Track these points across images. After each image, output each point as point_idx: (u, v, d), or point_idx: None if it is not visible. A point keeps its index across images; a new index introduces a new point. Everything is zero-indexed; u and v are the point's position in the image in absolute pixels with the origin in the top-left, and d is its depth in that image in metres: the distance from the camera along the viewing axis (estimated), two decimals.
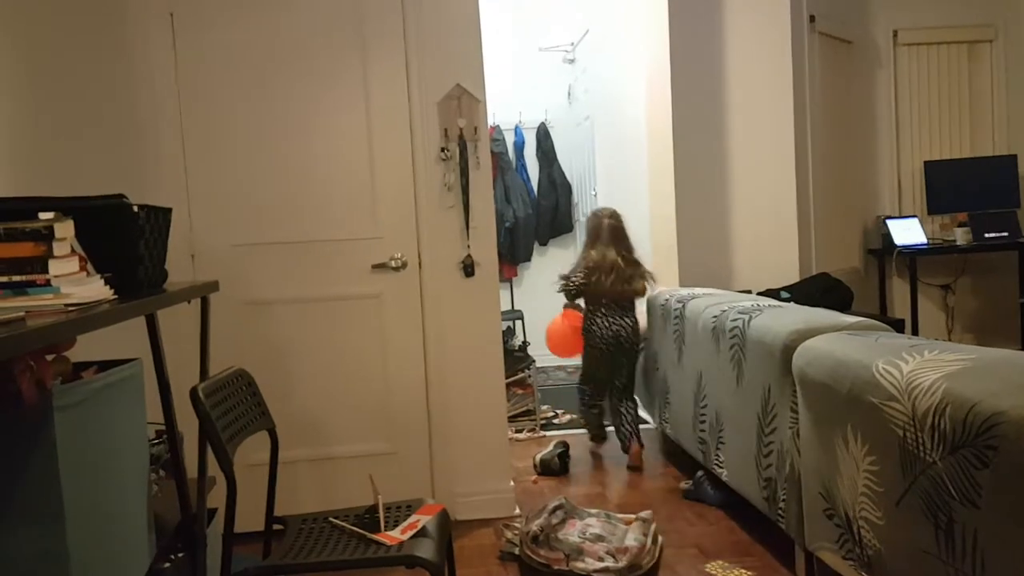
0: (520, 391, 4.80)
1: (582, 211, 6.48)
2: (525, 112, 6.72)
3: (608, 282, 4.11)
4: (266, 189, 3.33)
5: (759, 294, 5.14)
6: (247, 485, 3.11)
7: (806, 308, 3.10)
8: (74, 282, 1.55)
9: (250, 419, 2.10)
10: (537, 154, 6.73)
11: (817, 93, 5.29)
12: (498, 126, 6.62)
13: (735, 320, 3.10)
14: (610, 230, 4.24)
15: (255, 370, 3.34)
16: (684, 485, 3.63)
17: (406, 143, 3.38)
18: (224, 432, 1.88)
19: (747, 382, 2.99)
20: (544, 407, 5.04)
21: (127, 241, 1.72)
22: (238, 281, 3.34)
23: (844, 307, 5.04)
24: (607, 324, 4.12)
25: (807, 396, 2.55)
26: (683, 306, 3.68)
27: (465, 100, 3.39)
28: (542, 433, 4.69)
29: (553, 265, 6.79)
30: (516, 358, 4.83)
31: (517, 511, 3.51)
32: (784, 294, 5.05)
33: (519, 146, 6.70)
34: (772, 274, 5.24)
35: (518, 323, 6.48)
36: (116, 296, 1.63)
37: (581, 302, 4.30)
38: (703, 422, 3.48)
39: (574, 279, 4.20)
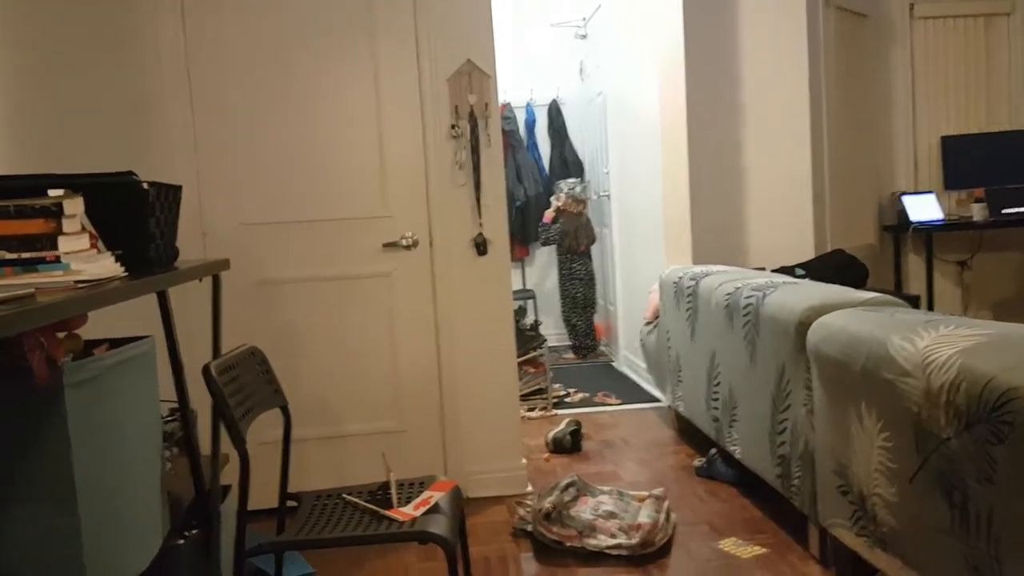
0: (532, 370, 4.80)
1: (594, 189, 6.45)
2: (536, 89, 6.68)
3: None
4: (275, 168, 3.32)
5: (773, 271, 5.11)
6: (259, 463, 3.13)
7: (821, 285, 3.07)
8: (84, 259, 1.54)
9: (263, 396, 2.11)
10: (549, 132, 6.69)
11: (832, 67, 5.23)
12: (509, 104, 6.58)
13: (749, 297, 3.07)
14: None
15: (265, 350, 3.34)
16: (697, 463, 3.63)
17: (416, 120, 3.36)
18: (237, 409, 1.88)
19: (761, 360, 2.98)
20: (556, 386, 5.04)
21: (137, 218, 1.72)
22: (248, 261, 3.34)
23: (859, 284, 5.00)
24: None
25: (821, 373, 2.54)
26: (696, 284, 3.66)
27: (476, 76, 3.36)
28: (554, 412, 4.69)
29: None
30: (528, 337, 4.83)
31: (529, 488, 3.51)
32: (799, 271, 5.02)
33: (530, 124, 6.66)
34: (787, 251, 5.21)
35: (529, 303, 6.48)
36: (127, 273, 1.63)
37: None
38: (716, 400, 3.46)
39: None
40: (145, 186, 1.73)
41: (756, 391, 3.03)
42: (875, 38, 5.65)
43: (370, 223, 3.38)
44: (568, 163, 6.62)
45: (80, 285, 1.45)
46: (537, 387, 4.81)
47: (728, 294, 3.28)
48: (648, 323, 4.51)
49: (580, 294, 6.15)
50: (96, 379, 1.44)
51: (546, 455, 3.96)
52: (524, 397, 4.75)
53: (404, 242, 3.37)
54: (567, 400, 4.93)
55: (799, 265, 5.10)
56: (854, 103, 5.46)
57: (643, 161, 5.04)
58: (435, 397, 3.46)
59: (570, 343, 6.30)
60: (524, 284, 6.72)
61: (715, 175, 5.13)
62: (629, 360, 5.62)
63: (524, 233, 6.55)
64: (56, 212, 1.51)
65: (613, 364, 5.94)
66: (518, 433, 3.54)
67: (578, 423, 4.10)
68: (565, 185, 6.10)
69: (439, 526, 1.91)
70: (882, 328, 2.28)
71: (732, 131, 5.20)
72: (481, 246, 3.41)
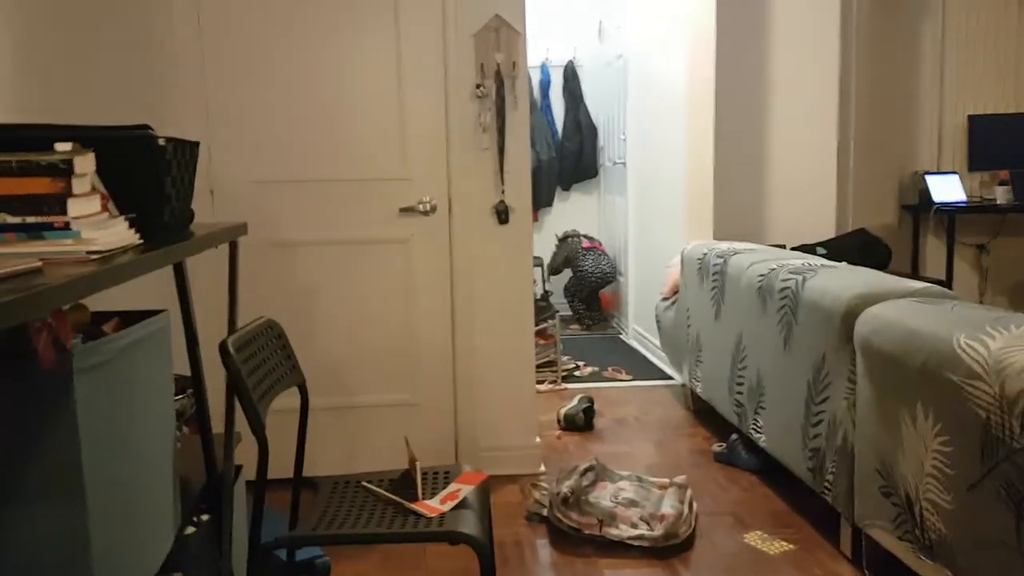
0: (542, 342, 4.64)
1: (608, 156, 6.25)
2: (552, 49, 6.43)
3: None
4: (290, 123, 3.13)
5: (793, 249, 4.97)
6: (270, 431, 2.99)
7: (864, 270, 2.92)
8: (95, 225, 1.37)
9: (281, 374, 1.95)
10: (563, 94, 6.46)
11: (863, 41, 5.03)
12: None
13: (787, 280, 2.92)
14: None
15: (275, 314, 3.16)
16: (716, 448, 3.50)
17: (439, 79, 3.16)
18: (255, 390, 1.72)
19: (797, 347, 2.83)
20: (565, 358, 4.89)
21: (153, 178, 1.53)
22: (259, 220, 3.14)
23: (882, 266, 4.86)
24: None
25: (870, 366, 2.39)
26: (724, 262, 3.50)
27: (504, 32, 3.16)
28: (564, 385, 4.56)
29: (576, 212, 6.59)
30: (538, 307, 4.66)
31: (542, 468, 3.38)
32: (820, 250, 4.87)
33: (545, 85, 6.43)
34: (807, 228, 5.06)
35: (537, 270, 6.30)
36: (142, 241, 1.45)
37: None
38: (741, 384, 3.33)
39: None
40: (162, 142, 1.54)
41: (789, 379, 2.89)
42: (907, 12, 5.43)
43: (387, 185, 3.19)
44: (582, 127, 6.40)
45: (92, 256, 1.28)
46: (547, 359, 4.66)
47: (761, 275, 3.12)
48: (665, 299, 4.36)
49: (594, 276, 5.97)
50: (108, 363, 1.28)
51: (557, 432, 3.82)
52: None
53: (422, 207, 3.19)
54: (577, 374, 4.79)
55: (820, 244, 4.95)
56: (882, 78, 5.26)
57: (665, 130, 4.85)
58: (448, 370, 3.31)
59: (574, 314, 6.13)
60: (533, 251, 6.54)
61: (739, 148, 4.95)
62: (639, 334, 5.48)
63: (534, 198, 6.34)
64: (65, 170, 1.33)
65: (622, 337, 5.80)
66: (533, 410, 3.39)
67: (591, 400, 3.97)
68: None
69: (470, 525, 1.77)
70: (944, 325, 2.13)
71: (759, 103, 5.01)
72: (503, 214, 3.24)
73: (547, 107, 6.44)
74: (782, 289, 2.93)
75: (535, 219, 6.53)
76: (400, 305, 3.25)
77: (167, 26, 3.00)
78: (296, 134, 3.13)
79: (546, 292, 5.35)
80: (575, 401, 3.94)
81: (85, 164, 1.38)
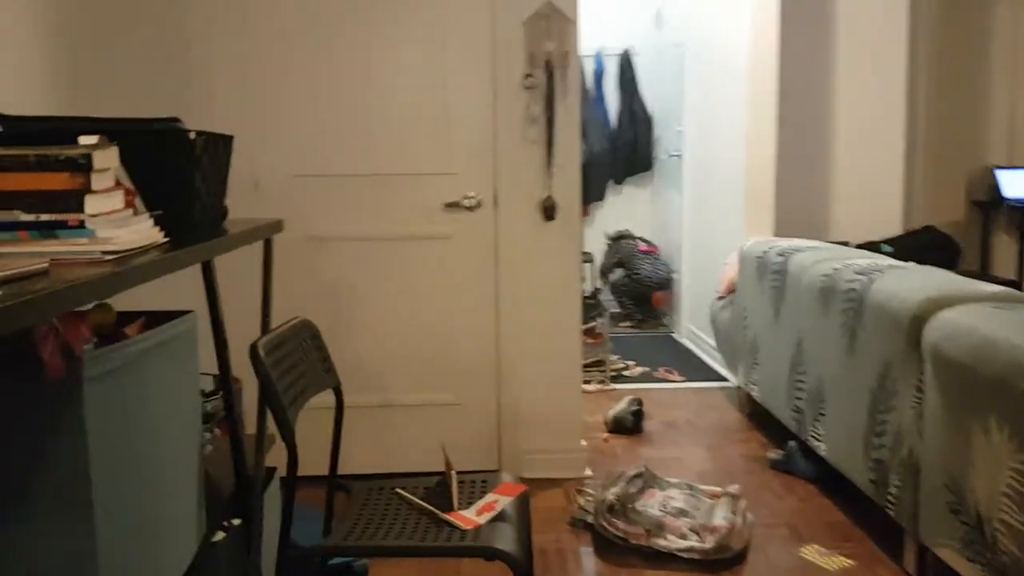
0: (590, 341, 4.53)
1: (664, 148, 6.09)
2: (607, 37, 6.28)
3: None
4: (331, 116, 3.06)
5: (858, 247, 4.76)
6: (304, 427, 2.96)
7: (935, 271, 2.75)
8: (116, 222, 1.30)
9: (314, 377, 1.87)
10: (618, 84, 6.30)
11: (932, 29, 4.79)
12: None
13: (851, 282, 2.76)
14: None
15: (313, 310, 3.14)
16: (772, 455, 3.35)
17: (486, 68, 3.07)
18: (286, 394, 1.65)
19: (862, 352, 2.67)
20: (614, 357, 4.77)
21: (182, 173, 1.47)
22: (300, 215, 3.10)
23: (951, 265, 4.63)
24: None
25: (940, 375, 2.23)
26: (785, 260, 3.34)
27: (555, 20, 3.04)
28: (612, 386, 4.43)
29: (629, 207, 6.44)
30: (587, 305, 4.55)
31: (588, 472, 3.27)
32: (885, 248, 4.66)
33: (599, 75, 6.29)
34: (872, 225, 4.84)
35: (587, 267, 6.17)
36: (168, 240, 1.38)
37: None
38: (800, 390, 3.17)
39: None
40: (192, 136, 1.47)
41: (852, 386, 2.73)
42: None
43: (431, 180, 3.11)
44: (637, 118, 6.24)
45: (108, 256, 1.21)
46: (595, 359, 4.54)
47: (825, 275, 2.96)
48: (721, 297, 4.21)
49: (651, 281, 5.83)
50: (123, 368, 1.21)
51: (605, 435, 3.70)
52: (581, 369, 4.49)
53: (467, 202, 3.10)
54: (626, 374, 4.66)
55: (886, 241, 4.74)
56: (951, 68, 4.99)
57: (724, 123, 4.68)
58: (491, 369, 3.22)
59: (624, 311, 5.97)
60: (583, 247, 6.41)
61: (802, 141, 4.76)
62: (693, 334, 5.32)
63: (586, 191, 6.21)
64: (85, 165, 1.27)
65: (674, 336, 5.65)
66: (579, 412, 3.29)
67: (640, 401, 3.84)
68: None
69: (507, 541, 1.67)
70: (1022, 332, 1.97)
71: (823, 94, 4.81)
72: (550, 210, 3.13)
73: (601, 98, 6.30)
74: (847, 290, 2.78)
75: (586, 214, 6.40)
76: (443, 303, 3.17)
77: (207, 22, 2.96)
78: (338, 127, 3.07)
79: (596, 289, 5.22)
80: (624, 403, 3.82)
81: (107, 159, 1.32)
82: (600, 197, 6.35)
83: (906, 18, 4.76)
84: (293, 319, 1.86)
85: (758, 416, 3.82)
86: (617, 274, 5.94)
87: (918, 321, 2.35)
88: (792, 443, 3.28)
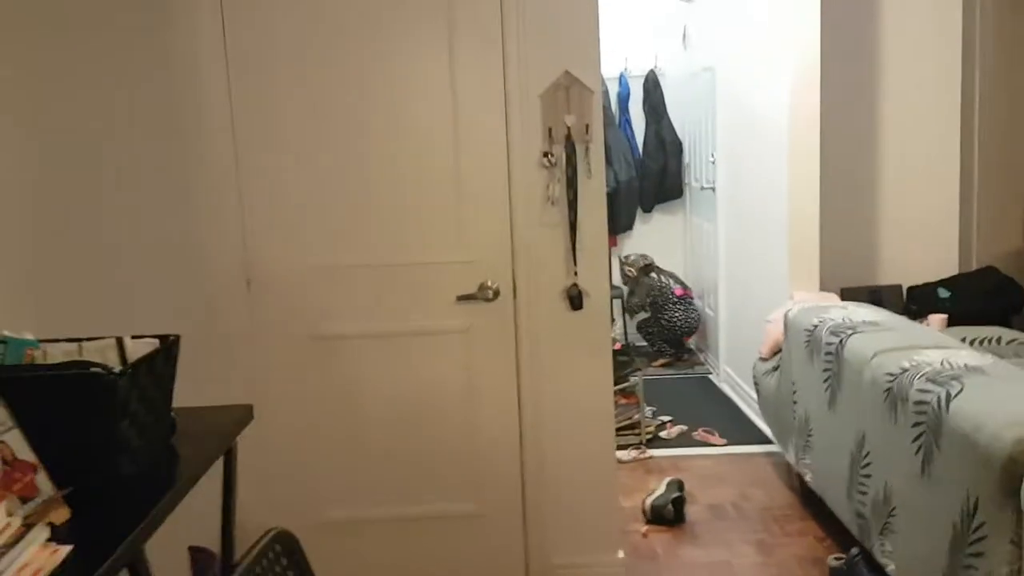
0: (623, 400, 4.19)
1: (694, 175, 5.70)
2: (632, 58, 5.88)
3: None
4: (332, 203, 2.73)
5: (911, 289, 4.37)
6: (320, 544, 2.69)
7: None
8: None
9: None
10: (644, 107, 5.91)
11: (988, 51, 4.36)
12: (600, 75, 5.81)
13: (925, 393, 2.39)
14: None
15: (320, 415, 2.83)
16: (833, 562, 2.99)
17: (500, 146, 2.72)
18: None
19: (939, 477, 2.31)
20: (648, 412, 4.41)
21: (101, 428, 1.15)
22: (300, 312, 2.78)
23: (1014, 311, 4.23)
24: None
25: None
26: (840, 344, 2.97)
27: (576, 91, 2.69)
28: (648, 453, 4.08)
29: (659, 235, 6.06)
30: (618, 363, 4.19)
31: None
32: (943, 292, 4.27)
33: (623, 98, 5.90)
34: (927, 265, 4.43)
35: (616, 304, 5.81)
36: (73, 547, 1.05)
37: None
38: (863, 493, 2.81)
39: None
40: (114, 375, 1.15)
41: (929, 512, 2.37)
42: None
43: (444, 269, 2.77)
44: (665, 143, 5.85)
45: None
46: (629, 420, 4.20)
47: (890, 377, 2.59)
48: (764, 359, 3.84)
49: (682, 329, 5.48)
50: None
51: (644, 529, 3.36)
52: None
53: (484, 293, 2.76)
54: (663, 435, 4.31)
55: (942, 283, 4.34)
56: (1011, 93, 4.53)
57: (761, 156, 4.29)
58: (516, 476, 2.89)
59: (653, 348, 5.60)
60: (611, 281, 6.04)
61: (848, 175, 4.36)
62: (732, 379, 4.96)
63: (612, 221, 5.84)
64: None
65: (711, 378, 5.28)
66: (616, 520, 2.96)
67: (681, 486, 3.50)
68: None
69: None
70: None
71: (870, 123, 4.40)
72: (576, 299, 2.78)
73: (626, 122, 5.91)
74: (918, 402, 2.40)
75: (613, 244, 6.03)
76: (460, 402, 2.85)
77: (195, 114, 2.63)
78: (340, 215, 2.74)
79: (627, 344, 4.87)
80: (663, 487, 3.48)
81: None
82: (629, 227, 5.98)
83: (959, 36, 4.33)
84: (266, 535, 1.54)
85: (811, 500, 3.46)
86: (646, 315, 5.58)
87: (1014, 466, 1.98)
88: (855, 551, 2.92)
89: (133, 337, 1.36)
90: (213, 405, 1.57)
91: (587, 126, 2.70)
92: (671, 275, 5.61)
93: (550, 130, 2.70)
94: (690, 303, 5.47)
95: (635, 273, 5.55)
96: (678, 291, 5.47)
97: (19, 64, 1.71)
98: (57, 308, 1.81)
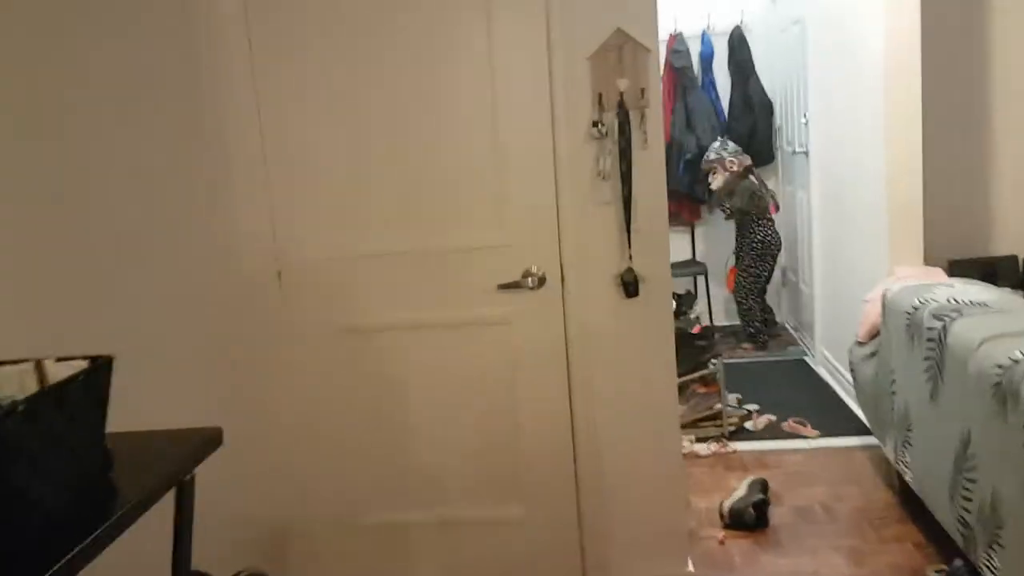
0: (702, 390, 3.87)
1: (786, 137, 5.25)
2: (715, 14, 5.45)
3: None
4: (363, 187, 2.53)
5: None
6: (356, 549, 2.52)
7: None
8: None
9: None
10: (729, 67, 5.48)
11: None
12: (680, 34, 5.42)
13: None
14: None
15: (354, 412, 2.64)
16: (934, 574, 2.63)
17: (544, 115, 2.44)
18: None
19: None
20: (732, 400, 4.07)
21: None
22: (331, 303, 2.60)
23: None
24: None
25: None
26: (943, 328, 2.58)
27: (629, 51, 2.38)
28: (731, 447, 3.75)
29: None
30: (696, 348, 3.88)
31: None
32: None
33: (706, 58, 5.48)
34: None
35: (699, 279, 5.45)
36: None
37: None
38: (968, 500, 2.44)
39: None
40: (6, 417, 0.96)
41: None
42: None
43: (483, 254, 2.53)
44: (753, 104, 5.40)
45: None
46: (709, 411, 3.88)
47: (1000, 369, 2.20)
48: (860, 343, 3.45)
49: (760, 269, 5.07)
50: None
51: (721, 534, 3.05)
52: (692, 424, 3.84)
53: (528, 280, 2.51)
54: (748, 426, 3.96)
55: None
56: None
57: (857, 115, 3.86)
58: (568, 477, 2.64)
59: (745, 326, 5.20)
60: (694, 255, 5.65)
61: (954, 137, 3.86)
62: (828, 362, 4.55)
63: (694, 191, 5.46)
64: None
65: (807, 360, 4.87)
66: (683, 526, 2.68)
67: (764, 487, 3.17)
68: (714, 152, 5.07)
69: None
70: None
71: (980, 66, 3.88)
72: (631, 285, 2.49)
73: (709, 83, 5.49)
74: None
75: (697, 216, 5.65)
76: (504, 398, 2.61)
77: (221, 102, 2.46)
78: (373, 201, 2.53)
79: (709, 327, 4.52)
80: (743, 489, 3.16)
81: None
82: (710, 198, 5.56)
83: None
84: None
85: (912, 500, 3.08)
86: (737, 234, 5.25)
87: None
88: (959, 563, 2.56)
89: (58, 359, 1.17)
90: (176, 428, 1.38)
91: (642, 90, 2.39)
92: (772, 194, 5.22)
93: (600, 96, 2.41)
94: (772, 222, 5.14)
95: (739, 169, 5.07)
96: (772, 209, 5.11)
97: (41, 65, 1.65)
98: (83, 309, 1.73)
